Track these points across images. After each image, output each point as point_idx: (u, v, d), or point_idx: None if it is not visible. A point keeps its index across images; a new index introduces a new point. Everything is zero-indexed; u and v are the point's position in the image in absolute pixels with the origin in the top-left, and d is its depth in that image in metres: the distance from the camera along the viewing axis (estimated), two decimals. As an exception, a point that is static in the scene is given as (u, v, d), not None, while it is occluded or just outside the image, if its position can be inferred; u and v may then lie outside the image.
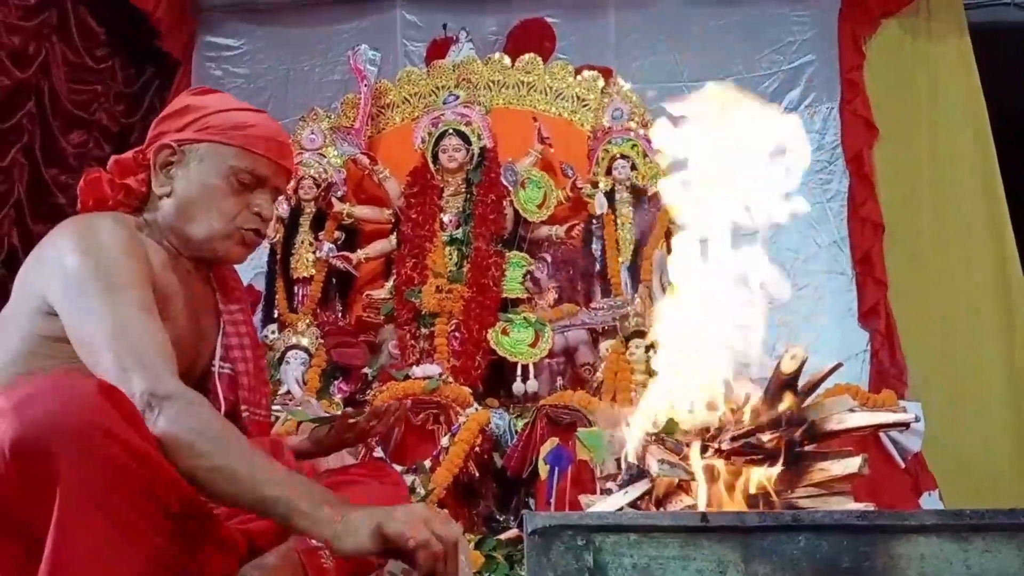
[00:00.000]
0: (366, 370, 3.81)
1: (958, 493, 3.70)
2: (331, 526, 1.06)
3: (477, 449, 3.19)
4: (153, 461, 1.08)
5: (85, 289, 1.24)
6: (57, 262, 1.27)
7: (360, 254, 4.09)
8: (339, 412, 1.73)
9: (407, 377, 3.50)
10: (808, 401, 1.31)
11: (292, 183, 4.16)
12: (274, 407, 3.48)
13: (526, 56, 4.37)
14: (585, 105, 4.28)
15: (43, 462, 0.99)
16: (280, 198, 4.08)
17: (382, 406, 1.68)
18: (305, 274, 4.08)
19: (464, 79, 4.32)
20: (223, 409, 1.40)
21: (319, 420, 1.67)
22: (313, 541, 1.30)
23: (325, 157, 4.19)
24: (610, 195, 3.93)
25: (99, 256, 1.26)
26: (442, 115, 4.08)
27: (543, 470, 3.03)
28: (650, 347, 3.32)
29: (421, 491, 2.96)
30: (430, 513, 1.07)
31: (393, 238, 4.08)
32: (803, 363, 1.29)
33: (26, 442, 0.99)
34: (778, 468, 1.24)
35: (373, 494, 1.45)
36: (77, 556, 1.00)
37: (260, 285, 4.25)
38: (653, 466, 1.22)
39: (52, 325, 1.26)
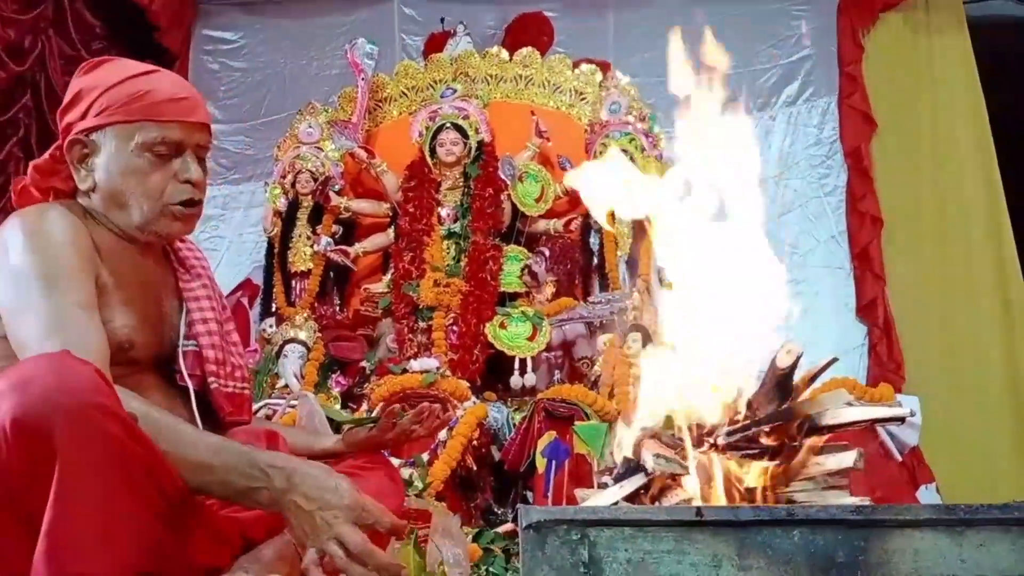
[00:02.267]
0: (364, 364, 3.82)
1: (956, 486, 3.72)
2: (273, 509, 1.12)
3: (475, 443, 3.20)
4: (149, 441, 1.08)
5: (26, 287, 1.23)
6: (2, 260, 1.27)
7: (358, 248, 4.09)
8: (369, 415, 1.70)
9: (405, 371, 3.50)
10: (803, 396, 1.31)
11: (290, 177, 4.16)
12: (274, 400, 3.50)
13: (524, 50, 4.36)
14: (583, 99, 4.27)
15: (43, 440, 1.01)
16: (278, 192, 4.15)
17: (426, 407, 1.65)
18: (303, 268, 4.08)
19: (462, 73, 4.31)
20: (192, 386, 1.38)
21: (356, 421, 1.64)
22: None
23: (323, 151, 4.19)
24: (608, 189, 3.92)
25: (43, 253, 1.25)
26: (439, 109, 4.07)
27: (541, 464, 3.03)
28: (647, 341, 3.33)
29: (419, 484, 2.96)
30: (356, 514, 1.12)
31: (391, 232, 4.08)
32: (798, 358, 1.29)
33: (26, 421, 1.00)
34: (773, 463, 1.24)
35: (369, 488, 1.45)
36: (74, 530, 1.01)
37: (258, 279, 4.26)
38: (648, 461, 1.22)
39: (2, 324, 1.25)
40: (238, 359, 1.47)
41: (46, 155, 1.41)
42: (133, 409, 1.11)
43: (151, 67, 1.43)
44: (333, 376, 3.76)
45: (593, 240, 3.95)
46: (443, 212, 3.95)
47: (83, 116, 1.36)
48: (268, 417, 3.11)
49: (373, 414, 3.14)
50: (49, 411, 1.00)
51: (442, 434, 3.14)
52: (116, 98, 1.34)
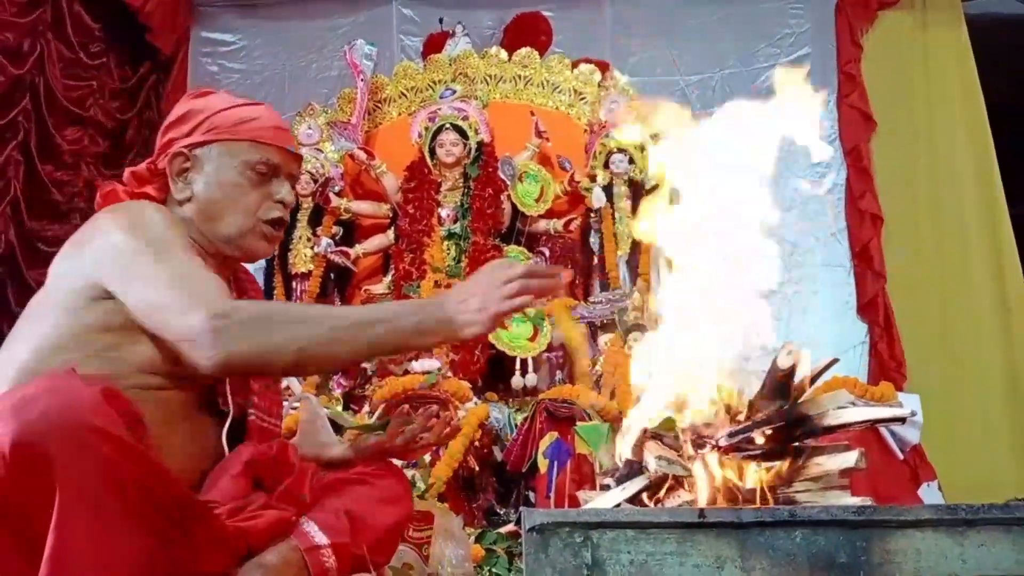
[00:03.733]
0: (365, 365, 3.82)
1: (958, 483, 3.72)
2: (447, 327, 1.23)
3: (477, 443, 3.20)
4: (148, 460, 1.08)
5: (137, 260, 1.29)
6: (105, 243, 1.31)
7: (358, 249, 4.09)
8: (371, 417, 1.71)
9: (406, 372, 3.51)
10: (804, 396, 1.31)
11: (289, 179, 4.15)
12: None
13: (523, 50, 4.36)
14: (582, 99, 4.28)
15: (41, 463, 1.00)
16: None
17: (433, 409, 1.65)
18: (303, 269, 4.08)
19: (461, 73, 4.31)
20: (231, 412, 1.39)
21: (363, 427, 1.64)
22: (314, 539, 1.30)
23: (322, 152, 4.19)
24: (608, 189, 3.93)
25: (146, 231, 1.32)
26: (439, 110, 4.07)
27: (543, 464, 3.04)
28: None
29: (421, 485, 2.96)
30: (500, 267, 1.25)
31: (391, 233, 4.08)
32: (799, 359, 1.29)
33: (24, 444, 1.00)
34: (775, 463, 1.24)
35: (378, 494, 1.44)
36: (76, 556, 1.01)
37: (259, 281, 4.25)
38: (651, 463, 1.22)
39: (94, 312, 1.28)
40: (276, 396, 1.50)
41: (142, 165, 1.48)
42: (286, 312, 1.25)
43: (257, 101, 1.55)
44: (335, 378, 3.76)
45: (593, 240, 3.95)
46: (443, 213, 3.96)
47: (189, 133, 1.45)
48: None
49: (374, 417, 3.15)
50: (47, 434, 1.00)
51: (444, 434, 3.14)
52: (226, 119, 1.45)
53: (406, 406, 1.61)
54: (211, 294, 1.24)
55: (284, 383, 3.74)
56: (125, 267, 1.29)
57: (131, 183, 1.47)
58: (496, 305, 1.19)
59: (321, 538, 1.29)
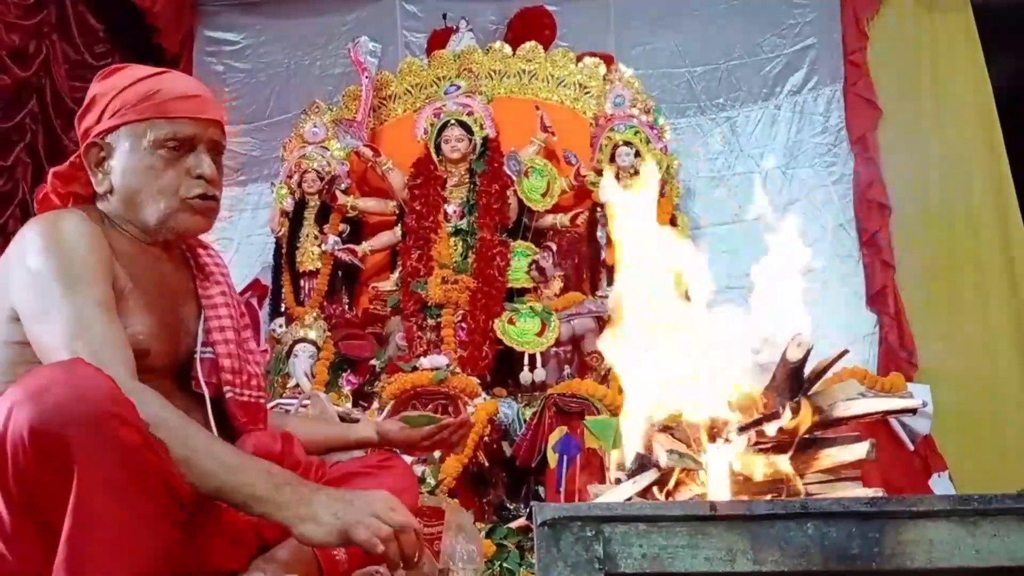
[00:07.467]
0: (374, 362, 3.83)
1: (969, 474, 3.70)
2: (291, 510, 1.10)
3: (486, 439, 3.21)
4: (165, 448, 1.09)
5: (45, 290, 1.23)
6: (20, 264, 1.27)
7: (365, 246, 4.10)
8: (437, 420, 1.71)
9: (415, 368, 3.51)
10: (815, 388, 1.31)
11: (296, 177, 4.17)
12: (286, 400, 3.50)
13: (527, 44, 4.36)
14: (587, 92, 4.27)
15: (60, 449, 1.02)
16: (285, 192, 4.16)
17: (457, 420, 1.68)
18: (311, 267, 4.09)
19: (465, 69, 4.31)
20: (208, 393, 1.38)
21: (427, 419, 1.65)
22: None
23: (328, 150, 4.19)
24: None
25: (60, 256, 1.25)
26: (444, 105, 4.07)
27: (552, 459, 3.04)
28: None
29: (431, 481, 2.97)
30: (388, 504, 1.13)
31: (398, 230, 4.08)
32: (809, 350, 1.29)
33: (43, 431, 1.01)
34: (785, 456, 1.24)
35: (383, 485, 1.45)
36: (92, 540, 1.02)
37: (267, 279, 4.28)
38: (661, 456, 1.22)
39: (23, 330, 1.25)
40: (254, 367, 1.46)
41: (67, 162, 1.41)
42: (159, 416, 1.12)
43: (163, 69, 1.44)
44: (344, 375, 3.78)
45: (600, 234, 3.95)
46: (449, 209, 3.96)
47: (98, 120, 1.37)
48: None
49: (385, 411, 3.16)
50: (65, 421, 1.01)
51: (453, 430, 3.15)
52: (128, 99, 1.35)
53: (465, 415, 1.61)
54: (107, 358, 1.16)
55: (293, 381, 3.75)
56: (31, 299, 1.24)
57: (56, 184, 1.41)
58: (352, 521, 1.08)
59: None
